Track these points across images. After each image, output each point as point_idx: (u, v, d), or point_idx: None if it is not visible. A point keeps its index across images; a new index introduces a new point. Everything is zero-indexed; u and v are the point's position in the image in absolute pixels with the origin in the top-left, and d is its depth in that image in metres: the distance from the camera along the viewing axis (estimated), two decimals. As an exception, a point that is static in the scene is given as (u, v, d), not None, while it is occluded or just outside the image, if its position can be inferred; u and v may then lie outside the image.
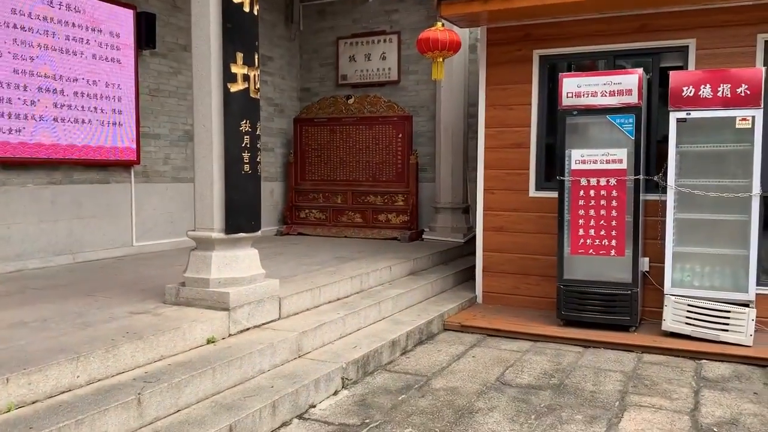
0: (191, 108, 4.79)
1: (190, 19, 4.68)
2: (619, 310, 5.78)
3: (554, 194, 6.25)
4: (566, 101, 5.88)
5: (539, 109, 6.59)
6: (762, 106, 5.22)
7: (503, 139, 6.72)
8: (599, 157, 5.81)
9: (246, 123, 4.72)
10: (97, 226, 7.24)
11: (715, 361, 5.13)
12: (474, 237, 8.58)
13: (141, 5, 7.61)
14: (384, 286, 6.38)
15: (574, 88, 5.84)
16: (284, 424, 3.85)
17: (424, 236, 9.02)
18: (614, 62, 6.34)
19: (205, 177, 4.68)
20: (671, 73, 5.58)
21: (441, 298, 6.72)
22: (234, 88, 4.63)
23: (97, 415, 3.11)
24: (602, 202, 5.82)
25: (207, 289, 4.60)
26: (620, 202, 5.77)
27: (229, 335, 4.52)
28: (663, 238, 5.76)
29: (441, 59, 6.65)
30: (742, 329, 5.28)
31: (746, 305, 5.32)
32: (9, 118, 6.20)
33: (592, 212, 5.86)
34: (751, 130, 5.27)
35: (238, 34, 4.62)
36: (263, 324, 4.81)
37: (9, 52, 6.15)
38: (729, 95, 5.31)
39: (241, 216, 4.70)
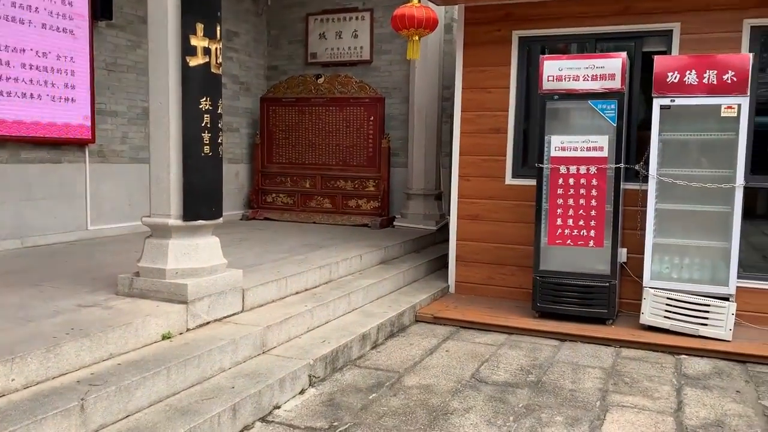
0: (149, 83, 4.41)
1: (147, -14, 4.29)
2: (596, 303, 5.60)
3: (532, 182, 6.04)
4: (547, 85, 5.64)
5: (518, 93, 6.34)
6: (749, 94, 5.05)
7: (480, 124, 6.45)
8: (579, 144, 5.59)
9: (206, 100, 4.35)
10: (48, 208, 6.78)
11: (695, 356, 4.98)
12: (446, 224, 8.35)
13: (96, -28, 7.10)
14: (354, 276, 6.09)
15: (556, 71, 5.60)
16: (246, 428, 3.56)
17: (395, 223, 8.75)
18: (596, 45, 6.10)
19: (161, 159, 4.31)
20: (656, 57, 5.37)
21: (413, 288, 6.46)
22: (193, 62, 4.26)
23: (33, 426, 2.77)
24: (582, 191, 5.62)
25: (163, 280, 4.25)
26: (600, 192, 5.57)
27: (187, 330, 4.19)
28: (643, 228, 5.58)
29: (417, 38, 6.33)
30: (721, 324, 5.14)
31: (726, 299, 5.19)
32: (-52, 90, 5.71)
33: (570, 201, 5.65)
34: (737, 119, 5.10)
35: (198, 1, 4.24)
36: (225, 317, 4.49)
37: (-53, 19, 5.65)
38: (715, 82, 5.12)
39: (200, 201, 4.35)
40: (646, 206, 5.54)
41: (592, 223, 5.60)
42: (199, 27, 4.23)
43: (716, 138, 5.36)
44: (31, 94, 6.40)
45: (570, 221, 5.66)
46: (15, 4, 6.17)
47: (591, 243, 5.62)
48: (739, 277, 5.25)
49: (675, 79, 5.23)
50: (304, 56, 9.78)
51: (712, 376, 4.55)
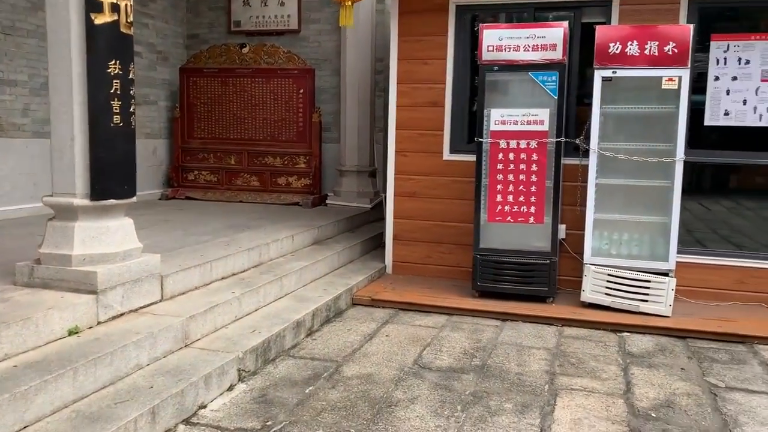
0: (48, 46, 3.84)
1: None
2: (536, 281, 5.46)
3: (470, 157, 5.83)
4: (487, 55, 5.39)
5: (455, 65, 6.07)
6: (689, 66, 4.96)
7: (417, 97, 6.15)
8: (520, 118, 5.39)
9: (116, 64, 3.83)
10: (-64, 188, 6.03)
11: (637, 333, 4.92)
12: (381, 202, 8.07)
13: None
14: (286, 258, 5.71)
15: (496, 41, 5.35)
16: (167, 433, 3.17)
17: (327, 201, 8.38)
18: (534, 15, 5.89)
19: (65, 130, 3.78)
20: (598, 27, 5.21)
21: (348, 270, 6.14)
22: (99, 19, 3.73)
23: None
24: (522, 166, 5.43)
25: (69, 267, 3.75)
26: (541, 167, 5.40)
27: (98, 324, 3.72)
28: (583, 204, 5.46)
29: (350, 2, 5.93)
30: (661, 300, 5.10)
31: (666, 274, 5.15)
32: None
33: (511, 177, 5.46)
34: (677, 92, 5.01)
35: (103, -50, 3.71)
36: (141, 308, 4.03)
37: None
38: (656, 53, 5.01)
39: (110, 178, 3.86)
40: (586, 181, 5.42)
41: (533, 199, 5.44)
42: (105, -22, 3.70)
43: (656, 111, 5.27)
44: None
45: (510, 197, 5.47)
46: None
47: (531, 219, 5.46)
48: (677, 252, 5.21)
49: (617, 50, 5.09)
50: (227, 24, 9.17)
51: (656, 354, 4.48)
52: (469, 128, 6.09)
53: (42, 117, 7.08)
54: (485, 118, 5.46)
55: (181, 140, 8.92)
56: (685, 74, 4.97)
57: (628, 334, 4.92)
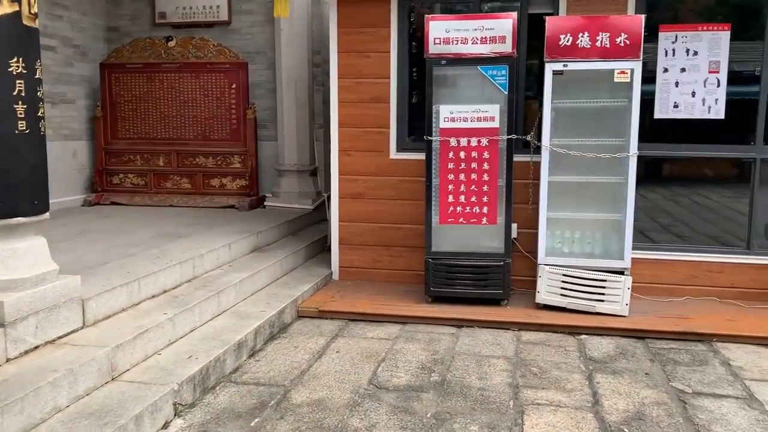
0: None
1: None
2: (491, 283, 5.24)
3: (417, 156, 5.58)
4: (433, 48, 5.10)
5: (399, 59, 5.75)
6: (641, 58, 4.82)
7: (360, 92, 5.81)
8: (470, 115, 5.14)
9: (19, 62, 3.33)
10: None
11: (596, 335, 4.76)
12: (323, 203, 7.70)
13: None
14: (223, 270, 5.27)
15: (443, 33, 5.07)
16: (92, 490, 2.74)
17: (266, 203, 7.93)
18: (480, 6, 5.65)
19: (-43, 138, 3.25)
20: (548, 18, 4.99)
21: (292, 278, 5.76)
22: (-4, 9, 3.22)
23: None
24: (473, 164, 5.19)
25: (-32, 298, 3.23)
26: (492, 165, 5.17)
27: (7, 361, 3.23)
28: (536, 202, 5.27)
29: (285, -8, 5.53)
30: (618, 299, 4.96)
31: (621, 273, 5.01)
32: None
33: (462, 176, 5.21)
34: (630, 85, 4.86)
35: (-4, -72, 3.19)
36: (60, 338, 3.55)
37: None
38: (608, 45, 4.84)
39: (16, 193, 3.35)
40: (537, 179, 5.22)
41: (485, 198, 5.20)
42: (0, -39, 3.19)
43: (608, 105, 5.13)
44: None
45: (462, 198, 5.22)
46: None
47: (484, 220, 5.23)
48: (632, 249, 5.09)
49: (568, 42, 4.89)
50: (151, 16, 8.54)
51: (617, 358, 4.32)
52: (417, 125, 5.80)
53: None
54: (434, 115, 5.18)
55: (104, 141, 8.26)
56: (638, 67, 4.83)
57: (586, 336, 4.76)
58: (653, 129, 5.43)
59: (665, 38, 5.35)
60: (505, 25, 4.99)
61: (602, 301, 5.00)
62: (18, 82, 3.32)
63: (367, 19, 5.74)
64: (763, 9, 5.25)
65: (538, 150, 5.20)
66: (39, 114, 3.47)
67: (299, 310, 5.19)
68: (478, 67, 5.08)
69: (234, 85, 7.95)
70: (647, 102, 5.30)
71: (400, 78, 5.75)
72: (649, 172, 5.70)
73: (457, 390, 3.79)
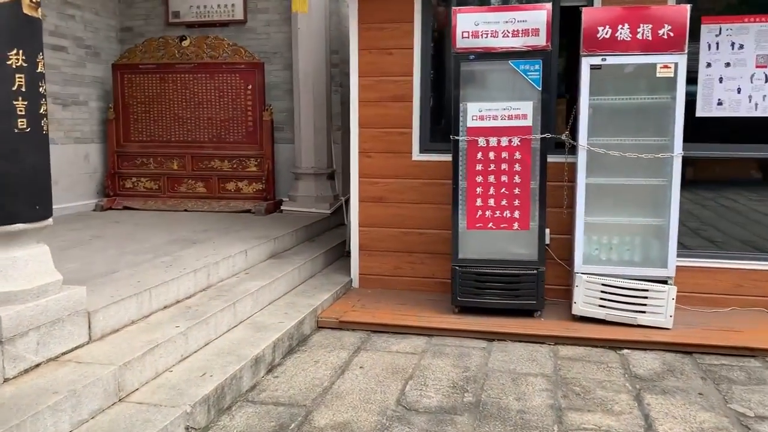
0: None
1: None
2: (523, 293, 4.91)
3: (441, 157, 5.29)
4: (461, 43, 4.79)
5: (423, 54, 5.45)
6: (686, 51, 4.48)
7: (381, 91, 5.51)
8: (500, 113, 4.83)
9: (18, 54, 3.07)
10: None
11: (638, 350, 4.41)
12: (341, 207, 7.42)
13: None
14: (239, 278, 4.99)
15: (471, 26, 4.76)
16: None
17: (283, 207, 7.65)
18: (509, -1, 5.35)
19: (-48, 138, 2.99)
20: (584, 9, 4.66)
21: (311, 286, 5.46)
22: (-7, -3, 2.96)
23: None
24: (503, 166, 4.87)
25: (-37, 312, 2.97)
26: (524, 166, 4.85)
27: (5, 381, 2.96)
28: (572, 206, 4.94)
29: (303, -15, 5.25)
30: (661, 310, 4.62)
31: (665, 282, 4.67)
32: None
33: (491, 178, 4.89)
34: (674, 80, 4.53)
35: None
36: (62, 354, 3.28)
37: None
38: (650, 37, 4.50)
39: (15, 198, 3.09)
40: (573, 181, 4.90)
41: (516, 202, 4.88)
42: (-2, -55, 2.93)
43: (648, 102, 4.78)
44: None
45: (491, 201, 4.90)
46: None
47: (516, 225, 4.90)
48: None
49: (606, 34, 4.56)
50: (165, 15, 8.31)
51: (665, 376, 3.98)
52: (440, 125, 5.49)
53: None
54: (461, 114, 4.87)
55: (117, 144, 8.03)
56: (682, 60, 4.49)
57: (628, 351, 4.41)
58: (693, 127, 5.08)
59: (708, 31, 5.01)
60: (539, 16, 4.67)
61: (644, 312, 4.66)
62: (18, 76, 3.06)
63: (389, 15, 5.45)
64: (816, -2, 4.89)
65: (572, 150, 4.88)
66: (41, 111, 3.20)
67: (319, 320, 4.90)
68: (509, 62, 4.76)
69: (250, 86, 7.68)
70: (688, 99, 4.94)
71: (423, 75, 5.45)
72: (684, 173, 5.34)
73: (494, 412, 3.47)
